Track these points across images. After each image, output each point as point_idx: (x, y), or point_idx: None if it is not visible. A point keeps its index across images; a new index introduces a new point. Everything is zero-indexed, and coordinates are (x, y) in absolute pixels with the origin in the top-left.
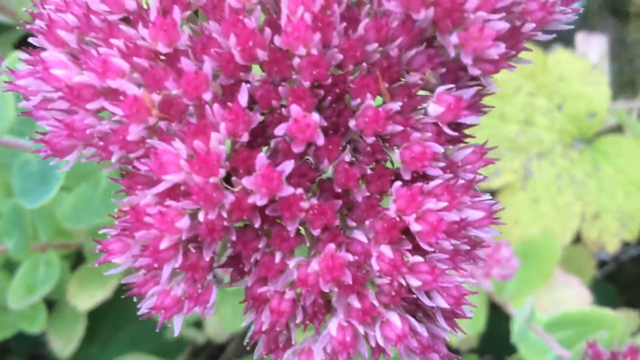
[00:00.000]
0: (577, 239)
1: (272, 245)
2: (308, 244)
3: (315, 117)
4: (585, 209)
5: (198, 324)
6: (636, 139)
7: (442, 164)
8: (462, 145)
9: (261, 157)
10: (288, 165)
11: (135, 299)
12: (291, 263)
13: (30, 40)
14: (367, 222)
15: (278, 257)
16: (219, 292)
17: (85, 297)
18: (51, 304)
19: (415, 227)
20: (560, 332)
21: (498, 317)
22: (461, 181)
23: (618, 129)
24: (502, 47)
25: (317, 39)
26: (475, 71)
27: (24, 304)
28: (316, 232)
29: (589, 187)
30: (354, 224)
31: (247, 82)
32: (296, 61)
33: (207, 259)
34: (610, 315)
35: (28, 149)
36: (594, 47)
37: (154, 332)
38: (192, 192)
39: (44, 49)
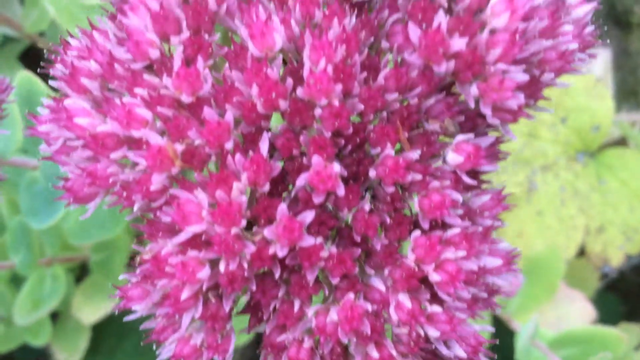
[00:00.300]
0: (581, 252)
1: (291, 293)
2: (326, 291)
3: (337, 167)
4: (590, 222)
5: None
6: None
7: (460, 212)
8: (479, 190)
9: (282, 208)
10: (308, 216)
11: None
12: (310, 311)
13: (52, 84)
14: (385, 270)
15: (297, 305)
16: None
17: (90, 311)
18: (55, 315)
19: (434, 277)
20: (565, 350)
21: (501, 332)
22: (479, 228)
23: (622, 141)
24: (521, 98)
25: (339, 90)
26: (494, 121)
27: (30, 320)
28: (335, 281)
29: (593, 201)
30: (372, 271)
31: (268, 129)
32: (318, 111)
33: (227, 308)
34: (614, 334)
35: (35, 168)
36: (598, 60)
37: None
38: (213, 242)
39: (66, 95)
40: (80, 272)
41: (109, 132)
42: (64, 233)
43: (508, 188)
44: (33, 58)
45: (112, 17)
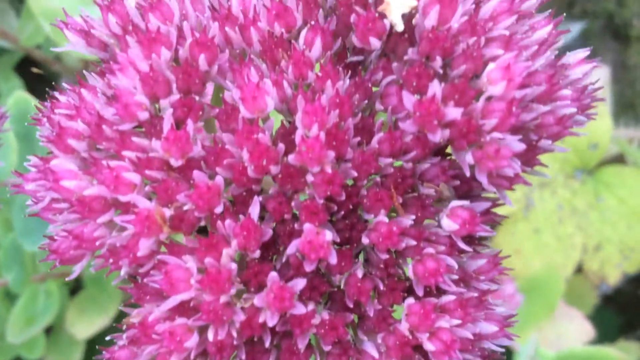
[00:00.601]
0: (579, 269)
1: (281, 359)
2: (318, 357)
3: (329, 235)
4: (587, 240)
5: None
6: (638, 169)
7: (455, 277)
8: (474, 253)
9: (273, 276)
10: (300, 283)
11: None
12: None
13: (42, 143)
14: (378, 337)
15: None
16: None
17: (84, 325)
18: (49, 328)
19: (428, 346)
20: None
21: None
22: (474, 294)
23: (620, 158)
24: (518, 166)
25: (332, 157)
26: (490, 188)
27: (23, 337)
28: (327, 348)
29: (591, 218)
30: (364, 337)
31: (259, 192)
32: (310, 178)
33: None
34: (614, 354)
35: None
36: (595, 78)
37: None
38: (202, 310)
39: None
40: (74, 285)
41: (96, 195)
42: None
43: (505, 205)
44: (29, 67)
45: (101, 74)
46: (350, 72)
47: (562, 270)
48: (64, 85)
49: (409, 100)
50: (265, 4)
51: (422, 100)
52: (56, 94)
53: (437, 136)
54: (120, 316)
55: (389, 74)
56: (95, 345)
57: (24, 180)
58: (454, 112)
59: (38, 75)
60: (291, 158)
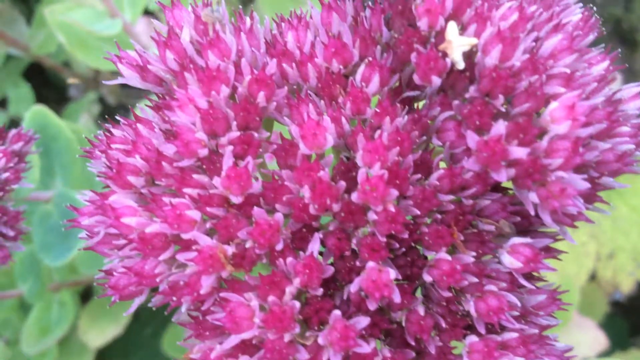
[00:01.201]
0: (591, 277)
1: None
2: None
3: (392, 274)
4: (600, 248)
5: None
6: None
7: (516, 313)
8: (533, 288)
9: (336, 314)
10: (363, 321)
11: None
12: None
13: (99, 178)
14: None
15: None
16: None
17: (97, 334)
18: None
19: None
20: None
21: None
22: (534, 330)
23: None
24: (581, 204)
25: (395, 196)
26: (552, 225)
27: (38, 348)
28: None
29: (604, 227)
30: None
31: (317, 229)
32: (372, 216)
33: None
34: None
35: (48, 201)
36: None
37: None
38: (265, 348)
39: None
40: (85, 292)
41: (157, 232)
42: (73, 262)
43: None
44: (35, 73)
45: (156, 108)
46: (406, 107)
47: (576, 280)
48: (118, 118)
49: (473, 139)
50: (323, 40)
51: (488, 140)
52: (110, 127)
53: (503, 175)
54: (132, 326)
55: (446, 110)
56: (104, 353)
57: (80, 214)
58: (519, 152)
59: (45, 82)
60: (354, 197)
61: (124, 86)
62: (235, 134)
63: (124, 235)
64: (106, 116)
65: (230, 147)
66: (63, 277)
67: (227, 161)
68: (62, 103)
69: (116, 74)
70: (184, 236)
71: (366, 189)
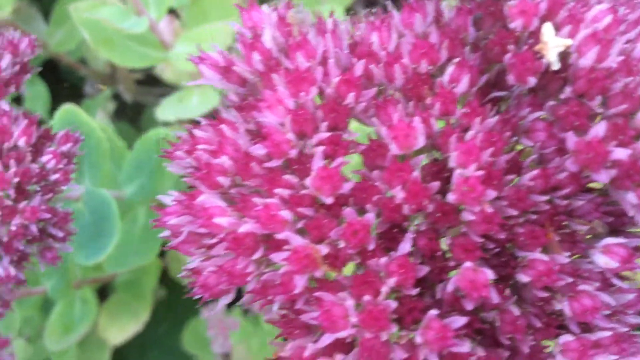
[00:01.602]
0: None
1: None
2: None
3: (490, 275)
4: None
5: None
6: None
7: (607, 312)
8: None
9: (432, 313)
10: (459, 321)
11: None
12: None
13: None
14: None
15: None
16: (249, 326)
17: (117, 331)
18: None
19: None
20: None
21: None
22: (625, 328)
23: None
24: None
25: (492, 196)
26: None
27: (62, 345)
28: None
29: None
30: None
31: (405, 230)
32: (467, 216)
33: None
34: None
35: (78, 199)
36: None
37: (180, 357)
38: (362, 347)
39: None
40: (101, 289)
41: (248, 232)
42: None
43: None
44: (48, 69)
45: (239, 109)
46: (494, 107)
47: None
48: (200, 120)
49: (572, 140)
50: (410, 41)
51: (590, 141)
52: (192, 129)
53: (603, 176)
54: (148, 324)
55: (536, 110)
56: (120, 352)
57: (165, 214)
58: (621, 153)
59: (58, 80)
60: (451, 198)
61: (140, 83)
62: (325, 134)
63: (213, 234)
64: (121, 113)
65: (321, 148)
66: (85, 274)
67: (318, 161)
68: (76, 100)
69: (134, 71)
70: (279, 236)
71: (463, 189)
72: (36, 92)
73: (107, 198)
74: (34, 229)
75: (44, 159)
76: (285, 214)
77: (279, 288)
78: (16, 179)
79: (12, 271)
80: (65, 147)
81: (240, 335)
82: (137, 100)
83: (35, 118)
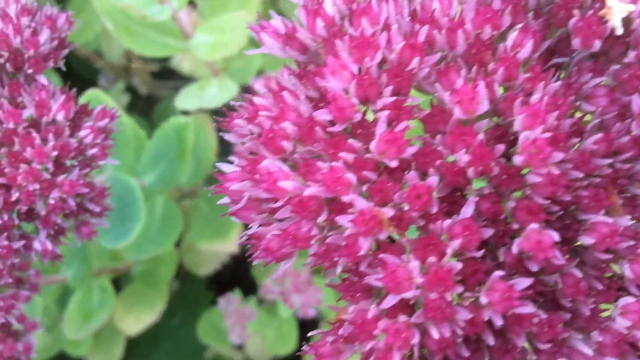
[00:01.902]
0: None
1: (495, 357)
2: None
3: (555, 236)
4: None
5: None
6: None
7: None
8: None
9: (497, 274)
10: (523, 282)
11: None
12: None
13: (246, 145)
14: (593, 334)
15: None
16: (264, 316)
17: (133, 320)
18: None
19: None
20: None
21: None
22: None
23: None
24: None
25: (559, 158)
26: None
27: (81, 334)
28: (543, 346)
29: None
30: (578, 335)
31: (466, 194)
32: (533, 178)
33: None
34: None
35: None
36: None
37: (191, 350)
38: (427, 308)
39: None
40: (116, 281)
41: (312, 195)
42: (118, 249)
43: None
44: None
45: (299, 76)
46: (555, 73)
47: None
48: (257, 88)
49: (637, 102)
50: (472, 7)
51: None
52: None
53: None
54: (166, 314)
55: (598, 76)
56: (134, 342)
57: (226, 180)
58: None
59: (71, 72)
60: (518, 160)
61: (156, 76)
62: (389, 99)
63: (276, 199)
64: (133, 106)
65: (386, 112)
66: (104, 263)
67: (382, 125)
68: None
69: (149, 64)
70: (345, 199)
71: (531, 151)
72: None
73: (132, 184)
74: (72, 203)
75: (82, 133)
76: (350, 176)
77: (344, 250)
78: (55, 153)
79: (49, 245)
80: (102, 123)
81: (256, 325)
82: (150, 93)
83: (72, 93)
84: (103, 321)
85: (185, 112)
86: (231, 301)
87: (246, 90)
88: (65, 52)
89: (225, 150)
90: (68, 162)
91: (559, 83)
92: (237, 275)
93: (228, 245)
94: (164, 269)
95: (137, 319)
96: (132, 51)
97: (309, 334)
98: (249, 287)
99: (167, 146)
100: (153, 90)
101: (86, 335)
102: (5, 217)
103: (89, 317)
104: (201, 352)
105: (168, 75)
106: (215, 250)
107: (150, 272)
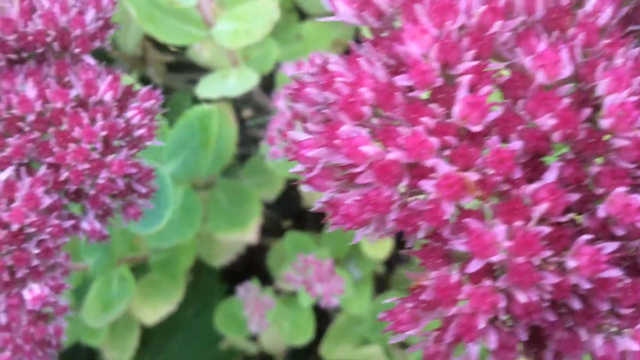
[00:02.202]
0: None
1: (577, 321)
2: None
3: None
4: None
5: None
6: None
7: None
8: None
9: (583, 239)
10: (610, 247)
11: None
12: (597, 340)
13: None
14: None
15: (582, 334)
16: (281, 307)
17: (150, 310)
18: None
19: None
20: None
21: None
22: None
23: None
24: None
25: None
26: None
27: (101, 322)
28: (625, 311)
29: None
30: None
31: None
32: (619, 142)
33: (519, 338)
34: None
35: None
36: None
37: (206, 341)
38: (513, 272)
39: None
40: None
41: (394, 160)
42: (141, 237)
43: None
44: None
45: (374, 43)
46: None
47: None
48: (330, 56)
49: None
50: None
51: None
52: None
53: None
54: (182, 304)
55: None
56: (149, 333)
57: (301, 147)
58: None
59: None
60: (605, 123)
61: (171, 68)
62: (471, 63)
63: (356, 164)
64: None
65: (467, 77)
66: (124, 252)
67: (464, 90)
68: None
69: (165, 54)
70: (428, 163)
71: (619, 114)
72: None
73: (161, 171)
74: (120, 183)
75: (129, 114)
76: (434, 140)
77: (427, 215)
78: (103, 133)
79: (97, 226)
80: (147, 104)
81: (275, 314)
82: (167, 84)
83: (119, 74)
84: (122, 310)
85: (207, 101)
86: (250, 290)
87: (265, 79)
88: (111, 32)
89: (244, 140)
90: (115, 143)
91: (638, 49)
92: (250, 267)
93: (247, 235)
94: (183, 259)
95: (155, 309)
96: (147, 42)
97: (386, 301)
98: (263, 279)
99: (189, 134)
100: (168, 81)
101: (105, 323)
102: (55, 196)
103: (109, 305)
104: (215, 343)
105: (181, 68)
106: (233, 240)
107: (169, 262)
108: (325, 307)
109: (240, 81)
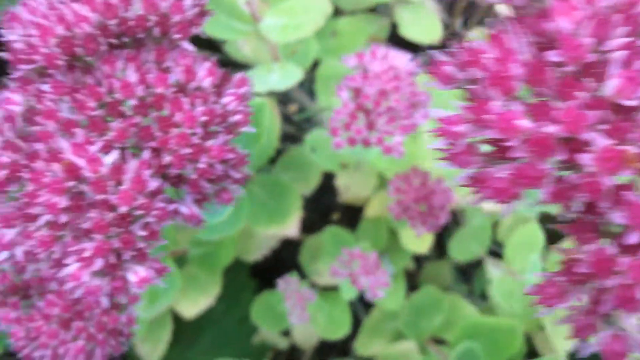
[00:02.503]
0: None
1: None
2: None
3: None
4: None
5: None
6: None
7: None
8: None
9: None
10: None
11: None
12: None
13: (468, 87)
14: None
15: None
16: (318, 301)
17: (191, 304)
18: None
19: None
20: None
21: None
22: None
23: None
24: None
25: None
26: None
27: (149, 313)
28: None
29: None
30: None
31: None
32: None
33: None
34: None
35: None
36: None
37: (237, 336)
38: None
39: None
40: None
41: (548, 134)
42: (186, 229)
43: None
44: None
45: (519, 21)
46: None
47: None
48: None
49: None
50: None
51: None
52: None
53: None
54: (223, 298)
55: None
56: (181, 324)
57: (448, 123)
58: None
59: None
60: None
61: None
62: (623, 39)
63: (509, 139)
64: None
65: (621, 52)
66: (168, 245)
67: (616, 65)
68: None
69: (204, 48)
70: (585, 137)
71: None
72: None
73: None
74: (219, 168)
75: (225, 100)
76: (591, 114)
77: (585, 187)
78: (204, 118)
79: (196, 210)
80: (242, 90)
81: (315, 307)
82: None
83: (215, 60)
84: (167, 304)
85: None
86: (290, 283)
87: (306, 74)
88: (207, 19)
89: (285, 136)
90: (212, 129)
91: None
92: (277, 263)
93: (287, 229)
94: (224, 253)
95: (195, 303)
96: None
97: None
98: (301, 273)
99: None
100: None
101: (150, 316)
102: (159, 180)
103: (157, 298)
104: (246, 338)
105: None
106: (272, 234)
107: (209, 256)
108: (366, 301)
109: (284, 76)
